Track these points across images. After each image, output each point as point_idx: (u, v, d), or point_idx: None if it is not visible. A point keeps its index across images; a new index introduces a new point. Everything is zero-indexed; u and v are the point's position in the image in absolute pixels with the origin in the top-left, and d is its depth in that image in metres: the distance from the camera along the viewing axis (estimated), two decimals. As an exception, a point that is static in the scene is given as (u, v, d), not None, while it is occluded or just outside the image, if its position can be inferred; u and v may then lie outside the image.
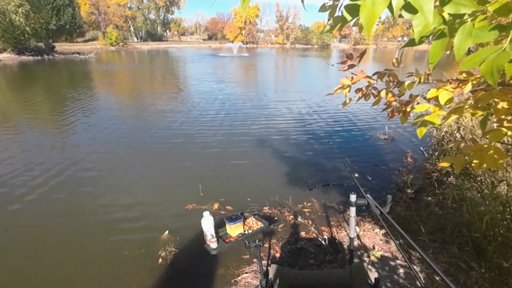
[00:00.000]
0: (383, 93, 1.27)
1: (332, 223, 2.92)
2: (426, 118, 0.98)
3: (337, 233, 2.72)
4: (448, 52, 0.77)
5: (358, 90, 1.35)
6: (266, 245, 2.58)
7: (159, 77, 14.84)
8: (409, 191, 3.33)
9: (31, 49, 26.51)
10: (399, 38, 65.41)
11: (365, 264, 2.20)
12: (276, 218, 3.01)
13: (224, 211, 3.10)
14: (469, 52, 0.68)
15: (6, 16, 23.61)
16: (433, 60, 0.67)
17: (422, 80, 1.10)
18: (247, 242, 1.54)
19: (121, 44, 42.48)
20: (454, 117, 0.95)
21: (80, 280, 2.26)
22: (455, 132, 3.69)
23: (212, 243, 1.57)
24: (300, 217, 3.00)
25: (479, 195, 2.66)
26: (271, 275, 1.48)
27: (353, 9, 0.68)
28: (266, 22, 75.57)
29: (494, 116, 0.90)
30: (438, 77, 1.73)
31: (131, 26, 53.32)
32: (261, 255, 2.13)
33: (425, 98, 1.05)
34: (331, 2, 0.99)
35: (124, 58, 27.65)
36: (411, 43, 0.77)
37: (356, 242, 2.45)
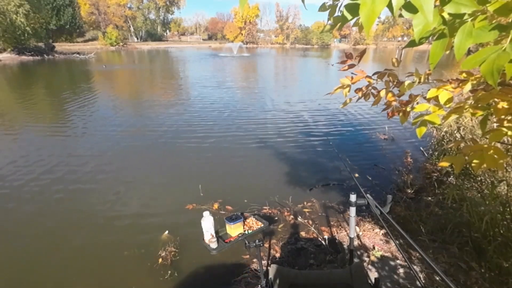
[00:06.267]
0: (382, 93, 1.27)
1: (332, 223, 2.92)
2: (426, 118, 0.98)
3: (337, 233, 2.72)
4: (448, 52, 0.77)
5: (358, 90, 1.35)
6: (266, 245, 2.58)
7: (159, 77, 14.84)
8: (409, 191, 3.33)
9: (31, 49, 26.49)
10: (399, 38, 65.42)
11: (365, 264, 2.20)
12: (276, 218, 3.01)
13: (224, 211, 3.10)
14: (469, 52, 0.68)
15: (6, 16, 23.61)
16: (433, 60, 0.67)
17: (422, 80, 1.10)
18: (247, 242, 1.53)
19: (121, 44, 42.47)
20: (454, 117, 0.95)
21: (80, 280, 2.26)
22: (455, 132, 3.69)
23: (212, 243, 1.57)
24: (300, 217, 3.00)
25: (479, 195, 2.66)
26: (271, 275, 1.48)
27: (353, 8, 0.68)
28: (266, 22, 75.67)
29: (494, 116, 0.89)
30: (438, 77, 1.73)
31: (131, 26, 53.30)
32: (261, 255, 2.13)
33: (425, 98, 1.05)
34: (331, 2, 0.99)
35: (124, 58, 27.65)
36: (412, 44, 0.77)
37: (356, 242, 2.45)
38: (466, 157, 0.88)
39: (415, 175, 3.79)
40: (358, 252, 2.34)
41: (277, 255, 2.47)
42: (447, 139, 3.84)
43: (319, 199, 3.34)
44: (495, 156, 0.83)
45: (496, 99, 0.87)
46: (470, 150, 0.88)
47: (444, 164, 0.96)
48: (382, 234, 2.57)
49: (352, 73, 1.32)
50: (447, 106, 0.96)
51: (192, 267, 2.36)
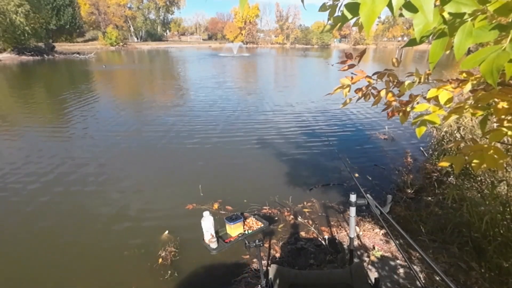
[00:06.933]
0: (383, 93, 1.27)
1: (332, 223, 2.92)
2: (426, 117, 0.98)
3: (337, 233, 2.71)
4: (448, 52, 0.77)
5: (358, 90, 1.35)
6: (266, 245, 2.58)
7: (159, 78, 14.84)
8: (409, 191, 3.33)
9: (31, 49, 26.49)
10: (399, 38, 65.42)
11: (365, 264, 2.20)
12: (276, 218, 3.01)
13: (224, 211, 3.10)
14: (469, 52, 0.68)
15: (6, 16, 23.61)
16: (433, 59, 0.67)
17: (422, 80, 1.10)
18: (247, 242, 1.53)
19: (121, 44, 42.47)
20: (454, 117, 0.95)
21: (80, 280, 2.26)
22: (455, 132, 3.69)
23: (212, 243, 1.57)
24: (300, 217, 3.00)
25: (479, 195, 2.66)
26: (271, 275, 1.48)
27: (353, 8, 0.68)
28: (266, 22, 75.68)
29: (494, 116, 0.89)
30: (438, 77, 1.73)
31: (131, 26, 53.30)
32: (261, 255, 2.13)
33: (425, 98, 1.05)
34: (331, 2, 0.99)
35: (124, 58, 27.64)
36: (412, 42, 0.77)
37: (356, 242, 2.45)
38: (466, 157, 0.88)
39: (415, 175, 3.79)
40: (358, 252, 2.34)
41: (277, 255, 2.47)
42: (447, 139, 3.84)
43: (319, 199, 3.34)
44: (495, 156, 0.83)
45: (496, 99, 0.87)
46: (470, 150, 0.88)
47: (444, 164, 0.96)
48: (382, 234, 2.57)
49: (352, 73, 1.32)
50: (447, 106, 0.96)
51: (192, 267, 2.36)
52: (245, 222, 1.75)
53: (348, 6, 0.68)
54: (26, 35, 25.39)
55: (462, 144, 1.15)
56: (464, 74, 0.99)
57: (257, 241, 1.53)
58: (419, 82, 1.11)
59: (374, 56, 34.04)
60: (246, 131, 5.84)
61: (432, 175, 3.67)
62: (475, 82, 0.94)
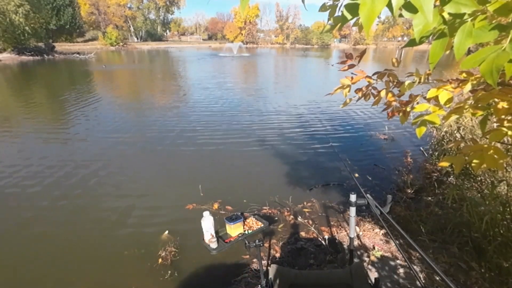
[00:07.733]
0: (383, 93, 1.27)
1: (332, 223, 2.92)
2: (426, 117, 0.98)
3: (337, 233, 2.71)
4: (448, 52, 0.77)
5: (358, 90, 1.35)
6: (266, 245, 2.58)
7: (159, 78, 14.83)
8: (409, 191, 3.33)
9: (31, 49, 26.50)
10: (399, 38, 65.45)
11: (365, 264, 2.20)
12: (276, 218, 3.01)
13: (224, 211, 3.10)
14: (469, 52, 0.68)
15: (6, 16, 23.62)
16: (433, 60, 0.67)
17: (422, 80, 1.10)
18: (247, 242, 1.54)
19: (121, 44, 42.53)
20: (454, 117, 0.95)
21: (80, 280, 2.26)
22: (455, 132, 3.69)
23: (212, 243, 1.57)
24: (300, 217, 3.00)
25: (479, 195, 2.66)
26: (271, 275, 1.48)
27: (353, 8, 0.68)
28: (266, 22, 75.78)
29: (494, 116, 0.89)
30: (438, 77, 1.73)
31: (131, 26, 53.34)
32: (261, 255, 2.13)
33: (425, 98, 1.05)
34: (331, 2, 0.99)
35: (124, 58, 27.64)
36: (412, 43, 0.77)
37: (356, 242, 2.45)
38: (466, 157, 0.88)
39: (415, 175, 3.79)
40: (358, 252, 2.34)
41: (277, 255, 2.47)
42: (447, 139, 3.84)
43: (319, 199, 3.34)
44: (495, 156, 0.83)
45: (496, 99, 0.87)
46: (470, 150, 0.88)
47: (444, 164, 0.96)
48: (382, 234, 2.57)
49: (352, 73, 1.32)
50: (447, 106, 0.96)
51: (192, 267, 2.36)
52: (245, 222, 1.75)
53: (348, 7, 0.69)
54: (26, 35, 25.40)
55: (462, 144, 1.15)
56: (464, 74, 0.99)
57: (257, 241, 1.54)
58: (419, 82, 1.11)
59: (374, 56, 34.03)
60: (246, 132, 5.84)
61: (432, 175, 3.67)
62: (475, 82, 0.94)
